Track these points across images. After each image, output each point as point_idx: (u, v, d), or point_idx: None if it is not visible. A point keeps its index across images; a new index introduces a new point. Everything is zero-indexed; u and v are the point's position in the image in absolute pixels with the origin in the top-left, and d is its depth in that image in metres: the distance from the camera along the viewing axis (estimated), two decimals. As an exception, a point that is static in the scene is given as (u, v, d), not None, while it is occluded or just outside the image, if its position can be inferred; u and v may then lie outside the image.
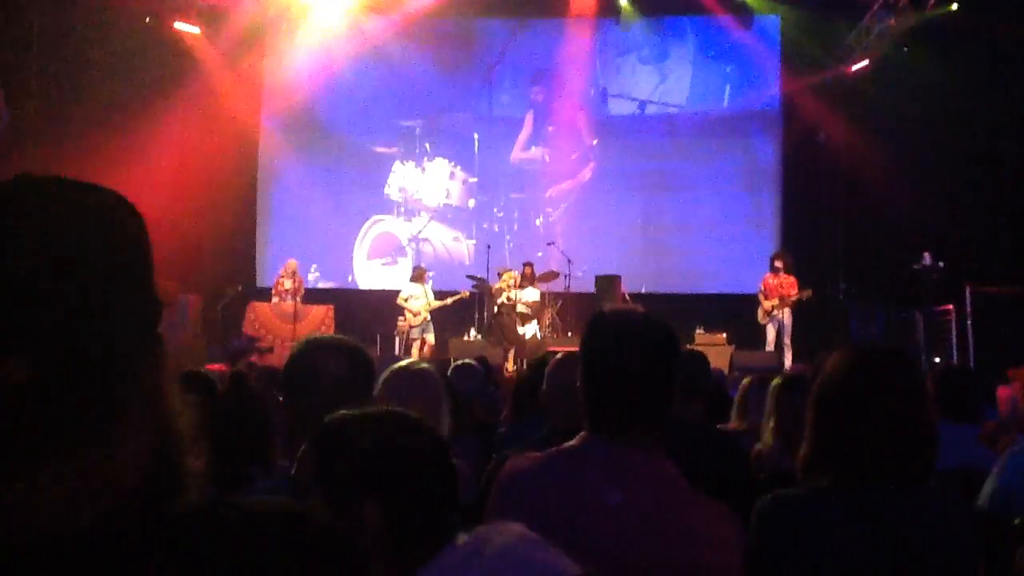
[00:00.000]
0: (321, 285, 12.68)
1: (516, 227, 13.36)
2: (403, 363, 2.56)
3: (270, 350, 9.47)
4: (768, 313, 10.49)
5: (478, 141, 13.33)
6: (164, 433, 0.72)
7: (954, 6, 10.46)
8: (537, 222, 13.30)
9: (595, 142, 13.30)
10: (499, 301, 10.63)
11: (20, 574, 0.63)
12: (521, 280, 10.84)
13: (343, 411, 1.37)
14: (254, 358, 9.11)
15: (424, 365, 2.54)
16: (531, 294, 10.96)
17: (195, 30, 11.60)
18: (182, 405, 0.75)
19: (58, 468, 0.65)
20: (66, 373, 0.66)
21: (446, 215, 13.47)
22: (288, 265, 11.50)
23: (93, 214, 0.70)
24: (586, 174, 13.28)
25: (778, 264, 10.63)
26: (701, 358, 3.23)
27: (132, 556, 0.65)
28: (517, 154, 13.46)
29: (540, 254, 12.24)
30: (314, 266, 12.93)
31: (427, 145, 13.38)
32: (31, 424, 0.65)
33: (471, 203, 13.44)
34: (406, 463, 1.28)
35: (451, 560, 1.22)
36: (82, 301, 0.67)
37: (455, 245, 13.42)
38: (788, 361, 9.89)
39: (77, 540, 0.65)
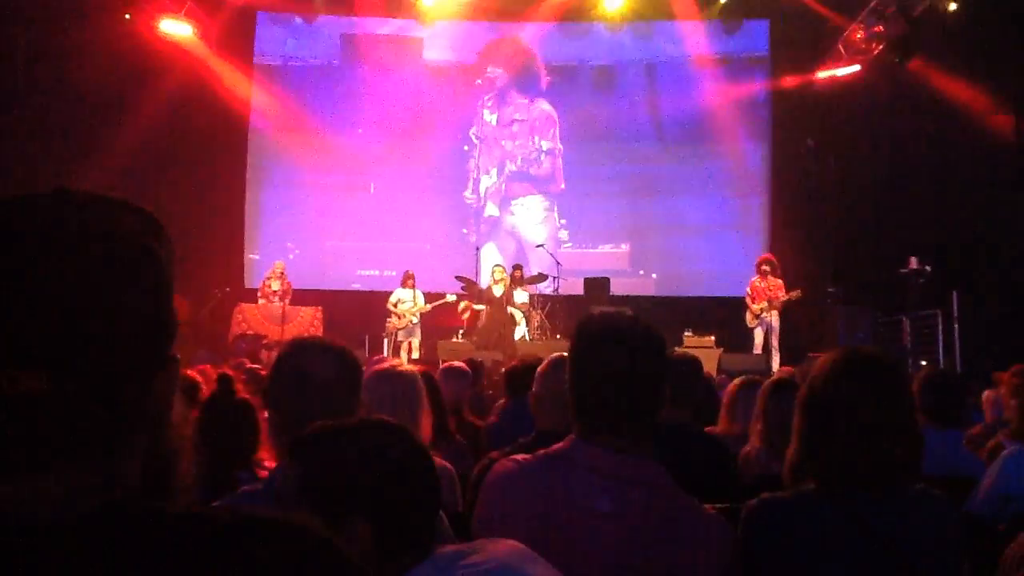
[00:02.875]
0: (308, 287, 12.64)
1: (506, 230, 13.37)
2: (382, 366, 2.54)
3: (278, 344, 9.42)
4: (757, 316, 10.52)
5: (471, 145, 13.31)
6: (162, 442, 0.75)
7: (953, 6, 10.43)
8: (528, 225, 13.30)
9: (584, 145, 13.31)
10: (471, 303, 10.60)
11: (10, 562, 0.64)
12: (510, 283, 10.81)
13: (322, 423, 1.34)
14: (263, 355, 9.08)
15: (404, 367, 2.52)
16: (520, 297, 10.94)
17: (185, 29, 11.51)
18: (180, 416, 0.78)
19: (61, 469, 0.67)
20: (84, 388, 0.68)
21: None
22: (275, 267, 11.43)
23: (127, 235, 0.72)
24: (574, 178, 13.31)
25: (765, 268, 10.66)
26: (693, 362, 3.22)
27: (124, 553, 0.66)
28: (508, 157, 13.47)
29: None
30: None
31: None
32: (43, 432, 0.67)
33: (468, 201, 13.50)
34: (390, 474, 1.26)
35: (436, 566, 1.22)
36: (108, 321, 0.69)
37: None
38: (776, 364, 9.91)
39: (72, 534, 0.65)
